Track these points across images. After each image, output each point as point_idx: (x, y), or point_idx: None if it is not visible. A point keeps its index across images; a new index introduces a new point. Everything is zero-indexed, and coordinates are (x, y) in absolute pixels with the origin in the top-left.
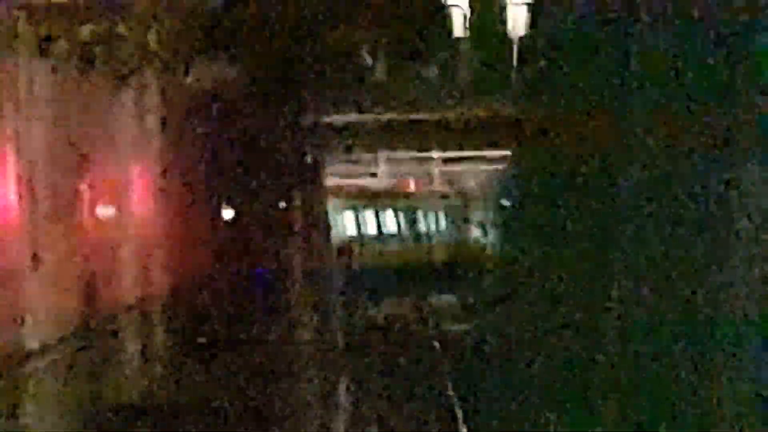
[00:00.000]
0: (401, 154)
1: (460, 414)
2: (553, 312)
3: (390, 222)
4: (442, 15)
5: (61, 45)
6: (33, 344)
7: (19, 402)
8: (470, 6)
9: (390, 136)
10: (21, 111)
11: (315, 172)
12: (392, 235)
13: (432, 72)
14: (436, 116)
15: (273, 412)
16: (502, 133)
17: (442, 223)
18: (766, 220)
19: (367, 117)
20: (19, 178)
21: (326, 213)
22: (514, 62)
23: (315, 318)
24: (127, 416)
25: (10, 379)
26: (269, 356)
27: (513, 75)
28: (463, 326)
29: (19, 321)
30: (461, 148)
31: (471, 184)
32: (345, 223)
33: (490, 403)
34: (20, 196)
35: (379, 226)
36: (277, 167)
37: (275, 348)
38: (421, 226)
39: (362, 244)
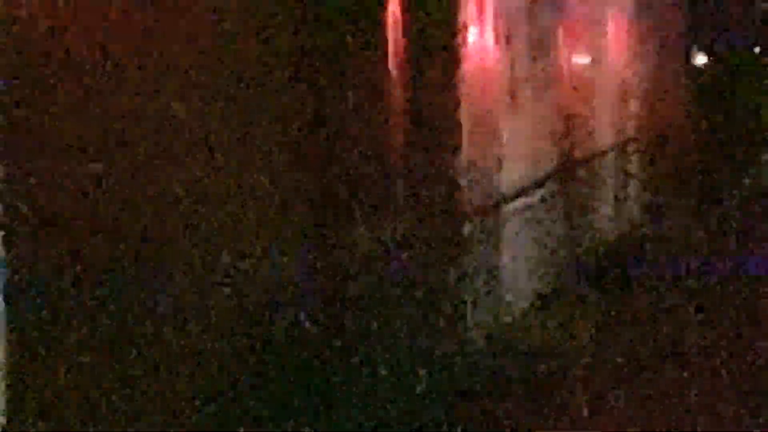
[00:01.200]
0: None
1: None
2: None
3: None
4: None
5: None
6: (508, 187)
7: (493, 243)
8: None
9: None
10: None
11: None
12: None
13: None
14: None
15: None
16: None
17: None
18: None
19: None
20: (496, 24)
21: None
22: None
23: None
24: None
25: (484, 222)
26: None
27: None
28: None
29: (496, 163)
30: None
31: None
32: None
33: None
34: (497, 40)
35: None
36: None
37: None
38: None
39: None
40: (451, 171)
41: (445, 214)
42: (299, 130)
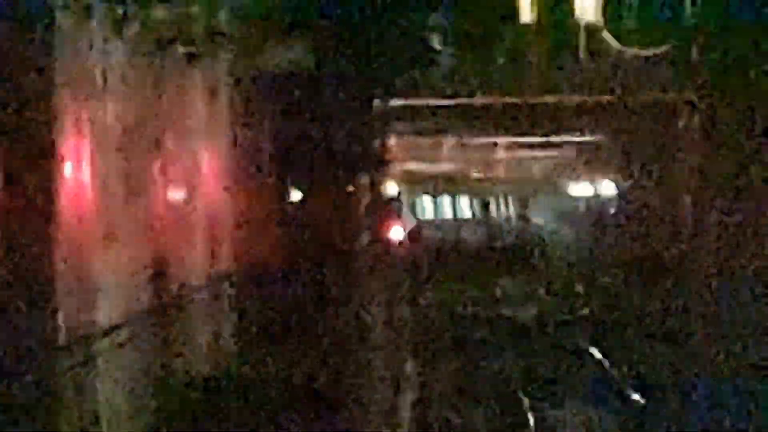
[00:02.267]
0: (468, 139)
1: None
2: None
3: (455, 207)
4: (511, 0)
5: (135, 26)
6: (105, 321)
7: (91, 378)
8: None
9: (458, 121)
10: (95, 92)
11: (383, 155)
12: (456, 220)
13: (500, 57)
14: (504, 101)
15: (340, 389)
16: (569, 119)
17: (509, 209)
18: None
19: (436, 101)
20: (93, 159)
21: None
22: (581, 48)
23: (382, 300)
24: (197, 391)
25: (81, 355)
26: (337, 336)
27: (581, 61)
28: (529, 310)
29: (91, 299)
30: (528, 134)
31: (537, 170)
32: (411, 207)
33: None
34: (93, 178)
35: (444, 211)
36: (346, 150)
37: (344, 328)
38: (487, 212)
39: (431, 228)
40: (42, 305)
41: (39, 350)
42: None
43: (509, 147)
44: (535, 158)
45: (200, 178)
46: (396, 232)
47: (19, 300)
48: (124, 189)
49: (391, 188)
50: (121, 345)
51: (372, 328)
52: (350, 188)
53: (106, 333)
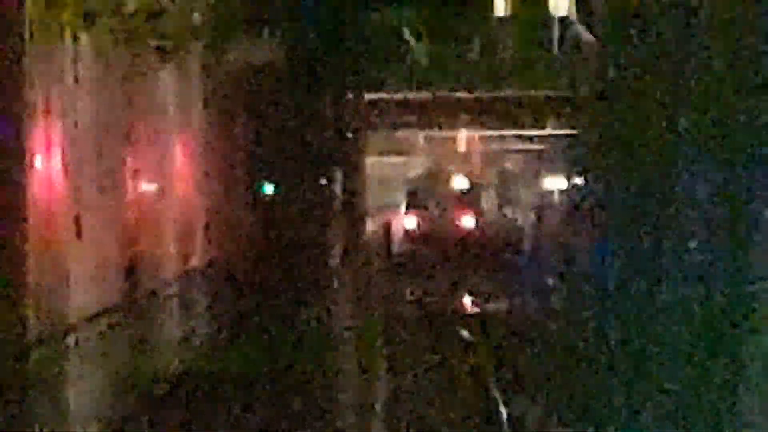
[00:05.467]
0: (441, 132)
1: (498, 395)
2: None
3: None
4: None
5: (105, 21)
6: (75, 316)
7: (60, 373)
8: None
9: (430, 115)
10: (65, 86)
11: (355, 149)
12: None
13: (473, 52)
14: (476, 95)
15: (312, 385)
16: (542, 112)
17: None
18: None
19: (408, 95)
20: (63, 153)
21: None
22: (555, 42)
23: (354, 295)
24: (167, 387)
25: (51, 350)
26: (308, 332)
27: (554, 55)
28: (501, 306)
29: (62, 292)
30: (500, 128)
31: (510, 164)
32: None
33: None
34: (65, 172)
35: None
36: (318, 144)
37: (315, 324)
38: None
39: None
40: (15, 298)
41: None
42: None
43: (484, 140)
44: (509, 151)
45: (172, 172)
46: (468, 221)
47: None
48: (95, 180)
49: (460, 181)
50: (88, 340)
51: (340, 327)
52: (323, 181)
53: (74, 328)
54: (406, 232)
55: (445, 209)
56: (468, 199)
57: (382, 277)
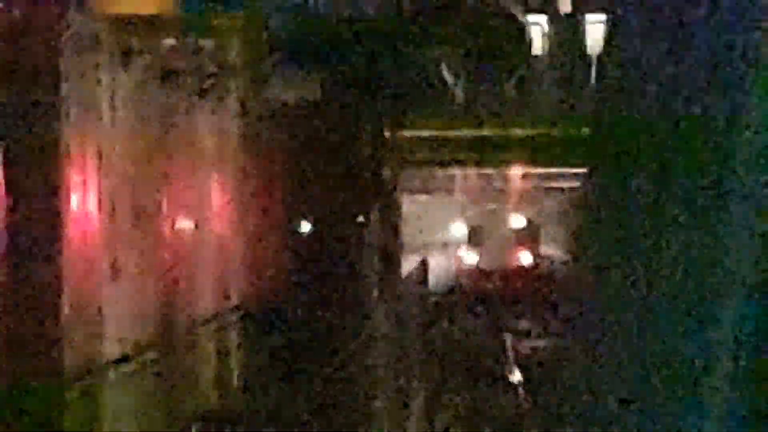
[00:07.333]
0: (479, 170)
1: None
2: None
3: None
4: (522, 33)
5: (144, 58)
6: (112, 353)
7: (95, 413)
8: (549, 24)
9: (469, 152)
10: (103, 122)
11: (393, 186)
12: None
13: (511, 89)
14: (515, 133)
15: (349, 421)
16: (579, 151)
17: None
18: None
19: (446, 133)
20: (99, 190)
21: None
22: (592, 80)
23: (391, 332)
24: (203, 426)
25: (87, 387)
26: (346, 368)
27: (591, 93)
28: (539, 344)
29: (98, 330)
30: (538, 166)
31: (548, 202)
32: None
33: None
34: (101, 209)
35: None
36: (355, 181)
37: (352, 361)
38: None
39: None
40: (51, 336)
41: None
42: None
43: (530, 177)
44: (553, 189)
45: (209, 210)
46: (526, 258)
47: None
48: (131, 220)
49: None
50: (127, 377)
51: (378, 365)
52: (360, 219)
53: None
54: (466, 268)
55: (503, 246)
56: (524, 236)
57: (420, 314)
